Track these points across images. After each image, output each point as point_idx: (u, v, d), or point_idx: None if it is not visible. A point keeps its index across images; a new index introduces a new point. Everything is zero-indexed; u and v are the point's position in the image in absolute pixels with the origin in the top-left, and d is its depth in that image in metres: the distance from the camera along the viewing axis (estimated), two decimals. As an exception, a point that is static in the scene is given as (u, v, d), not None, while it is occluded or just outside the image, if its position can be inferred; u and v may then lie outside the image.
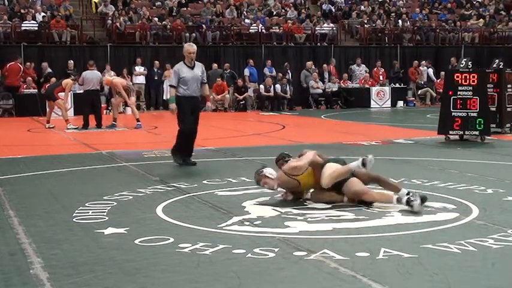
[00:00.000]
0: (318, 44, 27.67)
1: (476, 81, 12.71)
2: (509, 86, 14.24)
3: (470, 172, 9.08)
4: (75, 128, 16.80)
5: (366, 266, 4.66)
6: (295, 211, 6.56)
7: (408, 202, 6.50)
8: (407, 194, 6.61)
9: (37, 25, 24.93)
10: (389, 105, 25.50)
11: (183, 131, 9.95)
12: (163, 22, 26.20)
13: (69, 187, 8.24)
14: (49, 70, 23.12)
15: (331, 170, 6.83)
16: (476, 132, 12.82)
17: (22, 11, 25.55)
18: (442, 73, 23.13)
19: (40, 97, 20.66)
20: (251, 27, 27.22)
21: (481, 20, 30.92)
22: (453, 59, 26.05)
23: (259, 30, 27.02)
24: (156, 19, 26.24)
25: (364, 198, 6.77)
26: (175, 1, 28.35)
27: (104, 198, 7.33)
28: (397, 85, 26.36)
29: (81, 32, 25.42)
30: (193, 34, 25.74)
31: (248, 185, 7.90)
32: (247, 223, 6.07)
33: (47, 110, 18.01)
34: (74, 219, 6.30)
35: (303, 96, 25.34)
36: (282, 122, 18.97)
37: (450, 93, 12.93)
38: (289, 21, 27.82)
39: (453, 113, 12.85)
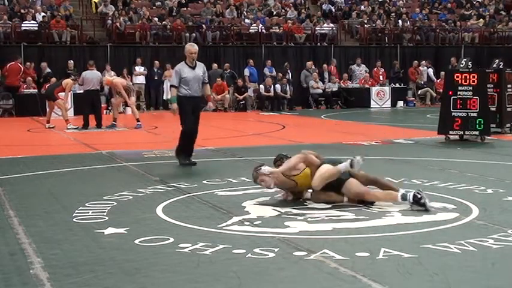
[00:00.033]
0: (318, 44, 27.67)
1: (476, 81, 12.71)
2: (509, 86, 14.24)
3: (470, 172, 9.08)
4: (75, 128, 16.80)
5: (366, 266, 4.66)
6: (295, 211, 6.56)
7: (416, 199, 6.52)
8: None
9: (37, 25, 24.93)
10: (389, 105, 25.50)
11: (185, 131, 9.95)
12: (163, 22, 26.21)
13: (69, 187, 8.24)
14: (48, 70, 23.13)
15: (321, 171, 6.83)
16: (476, 132, 12.82)
17: (22, 11, 25.56)
18: (442, 73, 23.14)
19: (40, 97, 20.66)
20: (251, 27, 27.22)
21: (481, 20, 30.92)
22: (453, 59, 26.05)
23: (259, 30, 27.02)
24: (156, 19, 26.25)
25: (367, 198, 6.77)
26: (175, 1, 28.36)
27: (104, 198, 7.33)
28: (397, 85, 26.36)
29: (81, 32, 25.42)
30: (193, 34, 25.75)
31: (248, 185, 7.90)
32: (247, 223, 6.07)
33: (47, 110, 18.01)
34: (74, 219, 6.30)
35: (303, 96, 25.34)
36: (282, 122, 18.97)
37: (450, 93, 12.93)
38: (289, 21, 27.82)
39: (453, 113, 12.85)
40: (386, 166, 9.92)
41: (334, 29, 28.32)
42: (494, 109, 13.84)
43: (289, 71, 25.39)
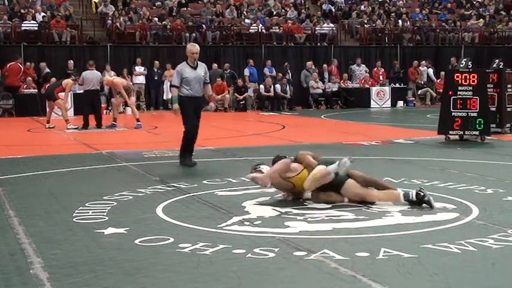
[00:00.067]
0: (318, 44, 27.68)
1: (476, 81, 12.71)
2: (509, 86, 14.24)
3: (470, 172, 9.08)
4: (75, 128, 16.80)
5: (366, 266, 4.66)
6: (295, 211, 6.56)
7: (419, 197, 6.56)
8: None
9: (37, 25, 24.94)
10: (390, 105, 25.50)
11: (188, 131, 9.93)
12: (163, 22, 26.21)
13: (69, 187, 8.24)
14: (47, 70, 23.14)
15: (313, 173, 6.83)
16: (476, 132, 12.82)
17: (22, 11, 25.57)
18: (442, 73, 23.14)
19: (40, 97, 20.66)
20: (251, 27, 27.22)
21: (481, 20, 30.93)
22: (453, 59, 26.06)
23: (259, 30, 27.03)
24: (156, 19, 26.25)
25: (368, 199, 6.77)
26: (175, 1, 28.36)
27: (104, 198, 7.33)
28: (397, 85, 26.36)
29: (81, 32, 25.43)
30: (193, 34, 25.76)
31: (248, 185, 7.89)
32: (247, 223, 6.07)
33: (47, 110, 18.01)
34: (74, 219, 6.30)
35: (303, 96, 25.34)
36: (282, 122, 18.97)
37: (450, 93, 12.93)
38: (289, 21, 27.83)
39: (453, 113, 12.85)
40: (386, 166, 9.93)
41: (334, 29, 28.32)
42: (494, 109, 13.84)
43: (289, 71, 25.39)
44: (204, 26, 26.37)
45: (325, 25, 28.32)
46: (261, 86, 24.27)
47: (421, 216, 6.24)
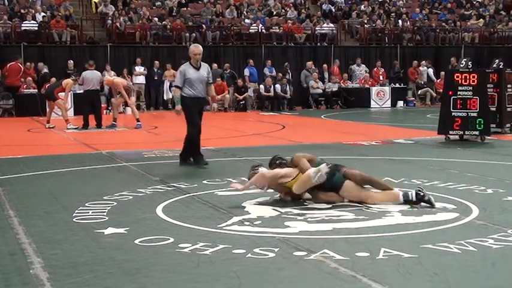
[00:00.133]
0: (318, 44, 27.68)
1: (476, 81, 12.71)
2: (509, 86, 14.24)
3: (470, 172, 9.08)
4: (75, 128, 16.80)
5: (366, 266, 4.66)
6: (295, 211, 6.56)
7: (419, 197, 6.59)
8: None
9: (37, 25, 24.94)
10: (390, 105, 25.50)
11: (192, 132, 9.91)
12: (163, 22, 26.21)
13: (69, 187, 8.24)
14: (45, 70, 23.13)
15: (301, 176, 6.85)
16: (476, 132, 12.82)
17: (22, 11, 25.57)
18: (442, 73, 23.14)
19: (40, 97, 20.66)
20: (251, 27, 27.22)
21: (481, 20, 30.93)
22: (453, 59, 26.05)
23: (259, 30, 27.02)
24: (156, 19, 26.25)
25: (368, 202, 6.77)
26: (175, 1, 28.36)
27: (104, 198, 7.33)
28: (397, 85, 26.36)
29: (81, 32, 25.43)
30: (193, 34, 25.76)
31: (248, 185, 7.88)
32: (247, 223, 6.07)
33: (47, 110, 18.01)
34: (74, 219, 6.30)
35: (303, 96, 25.34)
36: (282, 122, 18.97)
37: (450, 93, 12.93)
38: (289, 21, 27.83)
39: (453, 113, 12.85)
40: (386, 166, 9.93)
41: (334, 29, 28.31)
42: (494, 109, 13.84)
43: (289, 71, 25.39)
44: (204, 26, 26.37)
45: (325, 25, 28.32)
46: (261, 86, 24.27)
47: (421, 216, 6.24)
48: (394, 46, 28.53)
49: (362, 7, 30.76)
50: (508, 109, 14.22)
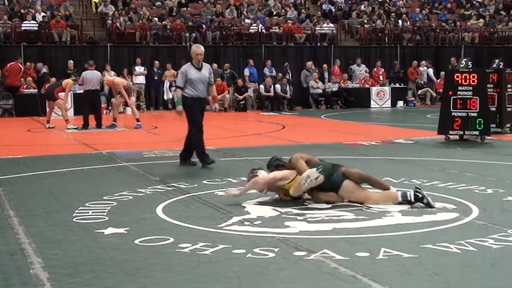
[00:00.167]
0: (318, 44, 27.68)
1: (476, 81, 12.71)
2: (509, 86, 14.24)
3: (470, 172, 9.08)
4: (75, 128, 16.80)
5: (366, 266, 4.66)
6: (295, 211, 6.56)
7: (418, 199, 6.61)
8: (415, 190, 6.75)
9: (37, 25, 24.94)
10: (390, 105, 25.50)
11: (195, 132, 9.88)
12: (163, 22, 26.21)
13: (69, 187, 8.24)
14: (44, 70, 23.12)
15: (297, 181, 6.86)
16: (476, 132, 12.82)
17: (22, 11, 25.57)
18: (442, 73, 23.13)
19: (40, 97, 20.66)
20: (251, 27, 27.22)
21: (481, 20, 30.93)
22: (453, 59, 26.05)
23: (259, 30, 27.03)
24: (156, 19, 26.25)
25: (368, 203, 6.77)
26: (175, 1, 28.36)
27: (104, 198, 7.33)
28: (397, 85, 26.36)
29: (81, 32, 25.43)
30: (193, 34, 25.77)
31: (248, 185, 7.88)
32: (247, 223, 6.07)
33: (47, 110, 18.01)
34: (74, 219, 6.30)
35: (303, 96, 25.34)
36: (282, 122, 18.97)
37: (450, 93, 12.93)
38: (289, 21, 27.83)
39: (453, 113, 12.85)
40: (387, 166, 9.93)
41: (334, 29, 28.31)
42: (494, 109, 13.84)
43: (289, 71, 25.39)
44: (204, 26, 26.37)
45: (325, 25, 28.32)
46: (261, 86, 24.27)
47: (421, 216, 6.25)
48: (394, 46, 28.54)
49: (362, 7, 30.76)
50: (508, 109, 14.22)
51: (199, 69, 9.88)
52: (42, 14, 25.64)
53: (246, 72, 25.03)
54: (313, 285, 4.32)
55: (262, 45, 26.47)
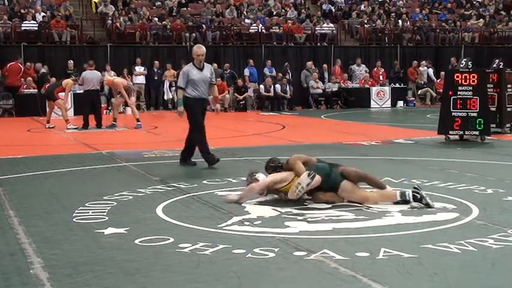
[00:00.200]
0: (318, 44, 27.68)
1: (476, 81, 12.71)
2: (509, 86, 14.24)
3: (470, 172, 9.08)
4: (75, 128, 16.80)
5: (366, 266, 4.66)
6: (295, 211, 6.56)
7: (417, 200, 6.62)
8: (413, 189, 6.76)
9: (37, 25, 24.94)
10: (390, 105, 25.51)
11: (197, 132, 9.87)
12: (163, 22, 26.21)
13: (69, 187, 8.24)
14: (43, 70, 23.11)
15: (294, 184, 6.86)
16: (476, 132, 12.82)
17: (22, 11, 25.57)
18: (442, 73, 23.13)
19: (40, 97, 20.66)
20: (251, 27, 27.22)
21: (481, 20, 30.93)
22: (453, 59, 26.05)
23: (259, 30, 27.03)
24: (156, 19, 26.25)
25: (367, 203, 6.77)
26: (175, 1, 28.36)
27: (104, 198, 7.33)
28: (397, 85, 26.36)
29: (81, 32, 25.43)
30: (193, 34, 25.77)
31: (248, 185, 7.88)
32: (247, 223, 6.07)
33: (47, 110, 18.01)
34: (74, 219, 6.30)
35: (303, 96, 25.34)
36: (282, 122, 18.97)
37: (450, 93, 12.93)
38: (289, 21, 27.83)
39: (453, 113, 12.85)
40: (387, 166, 9.92)
41: (334, 29, 28.31)
42: (494, 109, 13.84)
43: (289, 71, 25.39)
44: (204, 26, 26.36)
45: (325, 25, 28.32)
46: (261, 86, 24.27)
47: (421, 216, 6.25)
48: (394, 46, 28.54)
49: (362, 7, 30.77)
50: (508, 109, 14.22)
51: (201, 69, 9.87)
52: (42, 14, 25.64)
53: (246, 72, 25.04)
54: (313, 285, 4.32)
55: (262, 45, 26.47)
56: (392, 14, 30.46)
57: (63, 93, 17.80)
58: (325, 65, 26.20)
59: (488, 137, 13.03)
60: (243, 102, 24.15)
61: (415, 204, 6.64)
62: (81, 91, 18.39)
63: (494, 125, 13.68)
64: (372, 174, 7.11)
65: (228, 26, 26.99)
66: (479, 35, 29.84)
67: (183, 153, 10.16)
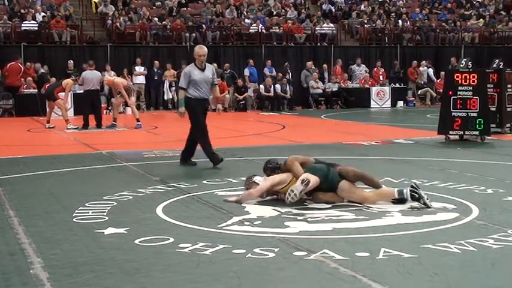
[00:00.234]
0: (318, 44, 27.68)
1: (476, 81, 12.71)
2: (509, 86, 14.24)
3: (470, 172, 9.08)
4: (75, 128, 16.80)
5: (366, 266, 4.66)
6: (295, 211, 6.56)
7: (415, 199, 6.62)
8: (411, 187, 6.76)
9: (37, 25, 24.94)
10: (389, 105, 25.51)
11: (200, 131, 9.86)
12: (163, 22, 26.21)
13: (69, 187, 8.24)
14: (42, 70, 23.11)
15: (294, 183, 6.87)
16: (476, 132, 12.82)
17: (22, 11, 25.57)
18: (442, 73, 23.14)
19: (40, 97, 20.66)
20: (251, 27, 27.22)
21: (481, 20, 30.93)
22: (453, 59, 26.05)
23: (259, 30, 27.03)
24: (156, 19, 26.25)
25: (367, 203, 6.77)
26: (175, 1, 28.36)
27: (104, 198, 7.32)
28: (397, 85, 26.37)
29: (81, 32, 25.43)
30: (193, 34, 25.76)
31: (248, 185, 7.88)
32: (247, 223, 6.07)
33: (47, 110, 18.02)
34: (74, 219, 6.30)
35: (303, 96, 25.34)
36: (282, 122, 18.97)
37: (450, 93, 12.93)
38: (289, 21, 27.83)
39: (453, 113, 12.85)
40: (387, 166, 9.92)
41: (334, 29, 28.31)
42: (494, 109, 13.84)
43: (289, 71, 25.39)
44: (204, 26, 26.37)
45: (325, 25, 28.32)
46: (261, 86, 24.27)
47: (421, 216, 6.25)
48: (394, 46, 28.54)
49: (362, 7, 30.77)
50: (508, 109, 14.22)
51: (203, 70, 9.87)
52: (42, 14, 25.64)
53: (246, 72, 25.04)
54: (313, 285, 4.32)
55: (262, 45, 26.47)
56: (392, 14, 30.47)
57: (63, 93, 17.80)
58: (325, 65, 26.20)
59: (488, 137, 13.03)
60: (243, 102, 24.15)
61: (415, 204, 6.64)
62: (81, 91, 18.39)
63: (494, 125, 13.68)
64: (370, 174, 7.11)
65: (228, 26, 26.99)
66: (479, 35, 29.84)
67: (184, 153, 10.16)
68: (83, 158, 11.16)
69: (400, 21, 29.80)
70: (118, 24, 25.47)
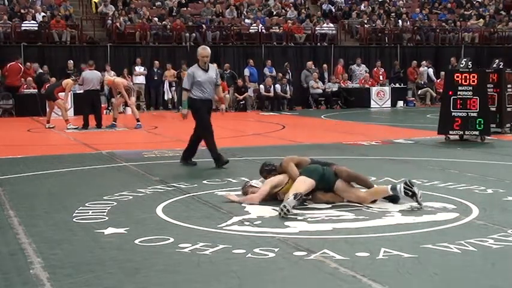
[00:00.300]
0: (318, 44, 27.68)
1: (476, 81, 12.71)
2: (509, 86, 14.23)
3: (470, 172, 9.08)
4: (75, 128, 16.80)
5: (366, 266, 4.66)
6: (295, 211, 6.55)
7: (409, 196, 6.62)
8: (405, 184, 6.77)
9: (37, 25, 24.94)
10: (389, 105, 25.51)
11: (205, 131, 9.85)
12: (163, 22, 26.21)
13: (69, 187, 8.24)
14: (40, 70, 23.10)
15: (292, 188, 6.85)
16: (476, 132, 12.82)
17: (22, 11, 25.57)
18: (442, 73, 23.13)
19: (40, 97, 20.66)
20: (251, 27, 27.22)
21: (481, 20, 30.93)
22: (453, 59, 26.05)
23: (259, 30, 27.03)
24: (156, 19, 26.26)
25: (366, 203, 6.77)
26: (175, 1, 28.36)
27: (104, 198, 7.33)
28: (397, 85, 26.37)
29: (81, 32, 25.43)
30: (193, 34, 25.76)
31: (248, 185, 7.88)
32: (247, 223, 6.07)
33: (47, 110, 18.02)
34: (74, 219, 6.30)
35: (303, 96, 25.34)
36: (282, 122, 18.97)
37: (450, 93, 12.93)
38: (289, 21, 27.83)
39: (453, 113, 12.85)
40: (387, 166, 9.92)
41: (334, 29, 28.31)
42: (494, 109, 13.83)
43: (289, 71, 25.39)
44: (204, 26, 26.37)
45: (325, 25, 28.32)
46: (261, 86, 24.27)
47: (421, 216, 6.25)
48: (394, 46, 28.54)
49: (362, 7, 30.77)
50: (508, 109, 14.21)
51: (206, 70, 9.86)
52: (42, 14, 25.64)
53: (246, 72, 25.03)
54: (313, 285, 4.32)
55: (262, 45, 26.47)
56: (392, 14, 30.46)
57: (63, 93, 17.80)
58: (325, 65, 26.20)
59: (488, 137, 13.03)
60: (243, 102, 24.15)
61: (415, 204, 6.64)
62: (81, 91, 18.38)
63: (494, 125, 13.68)
64: (363, 175, 7.11)
65: (228, 26, 26.99)
66: (479, 35, 29.84)
67: (185, 153, 10.16)
68: (83, 158, 11.16)
69: (400, 21, 29.80)
70: (118, 24, 25.47)
